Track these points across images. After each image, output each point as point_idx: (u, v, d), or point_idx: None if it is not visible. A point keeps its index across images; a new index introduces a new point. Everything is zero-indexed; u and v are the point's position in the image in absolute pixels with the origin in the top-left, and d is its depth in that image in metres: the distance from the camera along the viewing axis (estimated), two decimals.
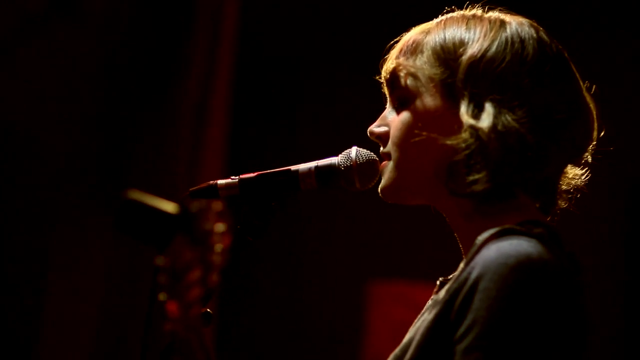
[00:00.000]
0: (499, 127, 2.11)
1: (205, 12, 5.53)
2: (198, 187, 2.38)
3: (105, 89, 5.35)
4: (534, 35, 2.21)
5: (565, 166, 2.26)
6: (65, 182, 4.82)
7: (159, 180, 5.22)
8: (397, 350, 2.12)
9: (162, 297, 1.70)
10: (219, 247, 1.69)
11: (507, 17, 2.25)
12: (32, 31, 4.70)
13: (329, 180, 2.36)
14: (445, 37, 2.22)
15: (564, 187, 2.27)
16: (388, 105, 2.31)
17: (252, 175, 2.36)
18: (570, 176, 2.28)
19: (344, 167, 2.35)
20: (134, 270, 5.20)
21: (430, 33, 2.25)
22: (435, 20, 2.30)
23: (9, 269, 4.14)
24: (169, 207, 1.66)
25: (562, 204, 2.28)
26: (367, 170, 2.36)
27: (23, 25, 4.64)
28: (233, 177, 2.36)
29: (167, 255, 1.68)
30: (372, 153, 2.37)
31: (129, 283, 5.21)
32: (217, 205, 1.69)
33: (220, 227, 1.69)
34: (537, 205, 2.22)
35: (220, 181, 2.37)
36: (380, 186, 2.29)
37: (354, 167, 2.34)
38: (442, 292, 2.10)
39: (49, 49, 4.78)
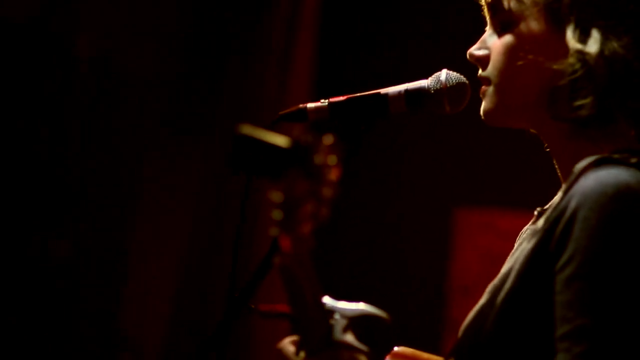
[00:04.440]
0: (606, 53, 2.09)
1: None
2: (288, 110, 2.40)
3: (194, 15, 5.36)
4: None
5: None
6: (153, 112, 4.85)
7: (247, 105, 5.24)
8: (496, 281, 2.11)
9: (274, 231, 1.71)
10: (330, 180, 1.69)
11: None
12: None
13: (418, 103, 2.35)
14: None
15: None
16: (488, 28, 2.28)
17: (341, 98, 2.37)
18: None
19: (434, 90, 2.34)
20: (223, 200, 5.24)
21: None
22: None
23: (97, 197, 4.18)
24: (282, 140, 1.66)
25: None
26: (457, 93, 2.35)
27: None
28: (323, 100, 2.38)
29: (280, 189, 1.68)
30: (462, 76, 2.36)
31: (217, 213, 5.25)
32: (329, 138, 1.69)
33: (331, 159, 1.69)
34: (633, 134, 2.20)
35: (309, 104, 2.38)
36: (482, 110, 2.26)
37: (444, 90, 2.34)
38: (541, 221, 2.10)
39: None
